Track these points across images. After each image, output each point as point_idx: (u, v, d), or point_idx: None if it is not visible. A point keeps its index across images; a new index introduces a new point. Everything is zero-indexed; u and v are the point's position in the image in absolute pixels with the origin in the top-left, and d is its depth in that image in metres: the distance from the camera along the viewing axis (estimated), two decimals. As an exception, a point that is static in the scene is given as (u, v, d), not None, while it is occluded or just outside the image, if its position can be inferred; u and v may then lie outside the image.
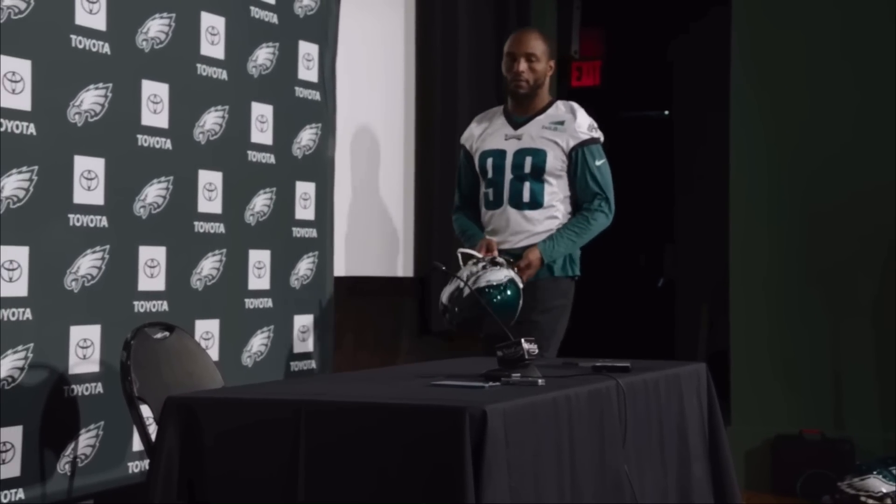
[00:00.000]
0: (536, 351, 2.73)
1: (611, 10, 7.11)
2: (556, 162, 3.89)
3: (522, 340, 2.69)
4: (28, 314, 3.07)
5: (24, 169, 3.06)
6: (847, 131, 5.23)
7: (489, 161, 3.95)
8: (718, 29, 5.88)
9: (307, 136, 4.16)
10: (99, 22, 3.28)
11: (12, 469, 3.00)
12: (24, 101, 3.05)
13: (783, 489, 5.09)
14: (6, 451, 3.01)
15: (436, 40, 5.22)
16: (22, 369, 3.06)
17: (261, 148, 3.93)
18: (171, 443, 2.36)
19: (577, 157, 3.91)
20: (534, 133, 3.92)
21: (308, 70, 4.16)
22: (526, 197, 3.88)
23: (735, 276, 5.47)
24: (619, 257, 8.40)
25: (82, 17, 3.23)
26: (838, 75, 5.25)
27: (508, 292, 3.52)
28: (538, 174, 3.88)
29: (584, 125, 3.94)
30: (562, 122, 3.92)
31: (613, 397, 2.74)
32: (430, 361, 3.61)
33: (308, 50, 4.15)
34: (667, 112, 8.24)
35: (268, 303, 3.95)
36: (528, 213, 3.87)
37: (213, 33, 3.71)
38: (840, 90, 5.24)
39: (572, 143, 3.90)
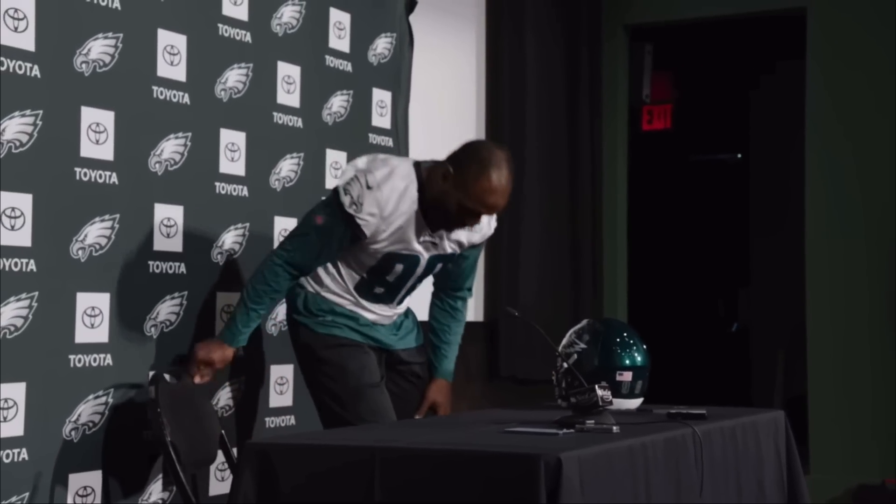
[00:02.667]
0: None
1: (681, 53, 7.10)
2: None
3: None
4: (109, 360, 3.13)
5: (107, 217, 3.14)
6: (926, 173, 5.15)
7: (398, 266, 3.18)
8: (791, 70, 5.84)
9: (380, 183, 4.20)
10: (179, 73, 3.36)
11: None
12: (107, 152, 3.14)
13: (865, 540, 4.97)
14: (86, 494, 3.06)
15: (505, 86, 5.25)
16: (102, 414, 3.11)
17: (335, 194, 3.97)
18: (248, 487, 2.38)
19: (473, 248, 3.33)
20: (447, 240, 3.22)
21: (381, 117, 4.21)
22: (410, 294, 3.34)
23: (813, 319, 5.38)
24: (693, 302, 8.32)
25: (164, 69, 3.31)
26: (916, 117, 5.18)
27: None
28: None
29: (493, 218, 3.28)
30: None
31: (689, 445, 2.70)
32: (502, 408, 3.59)
33: (381, 97, 4.21)
34: (739, 155, 8.18)
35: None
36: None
37: (289, 82, 3.78)
38: (918, 132, 5.17)
39: (477, 240, 3.29)
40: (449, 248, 3.22)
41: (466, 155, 3.06)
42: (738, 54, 7.37)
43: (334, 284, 3.21)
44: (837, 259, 5.33)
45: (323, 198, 3.91)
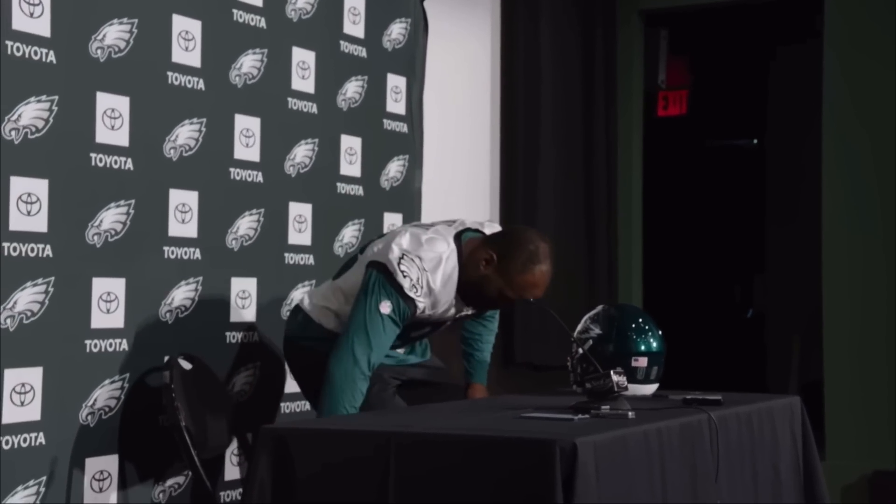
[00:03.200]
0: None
1: (697, 38, 7.06)
2: None
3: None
4: (125, 345, 3.14)
5: (122, 203, 3.14)
6: (944, 158, 5.12)
7: (426, 328, 3.19)
8: (808, 55, 5.80)
9: (395, 168, 4.20)
10: (194, 59, 3.36)
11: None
12: (122, 137, 3.14)
13: (881, 526, 4.95)
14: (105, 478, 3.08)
15: (519, 72, 5.23)
16: (118, 399, 3.13)
17: (349, 180, 3.98)
18: (264, 472, 2.39)
19: None
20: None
21: (396, 102, 4.20)
22: None
23: (828, 305, 5.36)
24: (708, 288, 8.29)
25: (178, 55, 3.31)
26: (934, 101, 5.14)
27: None
28: None
29: None
30: None
31: (705, 431, 2.70)
32: (518, 394, 3.59)
33: (396, 83, 4.20)
34: (755, 140, 8.14)
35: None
36: None
37: (303, 68, 3.77)
38: (936, 117, 5.13)
39: None
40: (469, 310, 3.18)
41: (513, 245, 3.01)
42: (754, 39, 7.32)
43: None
44: (853, 245, 5.31)
45: (337, 183, 3.92)
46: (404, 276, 2.92)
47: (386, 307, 2.91)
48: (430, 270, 2.96)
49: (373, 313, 2.91)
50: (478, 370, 3.46)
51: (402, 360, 3.27)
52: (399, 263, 2.92)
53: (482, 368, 3.46)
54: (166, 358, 3.12)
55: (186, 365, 3.15)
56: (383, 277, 2.92)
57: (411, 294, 2.93)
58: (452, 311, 3.11)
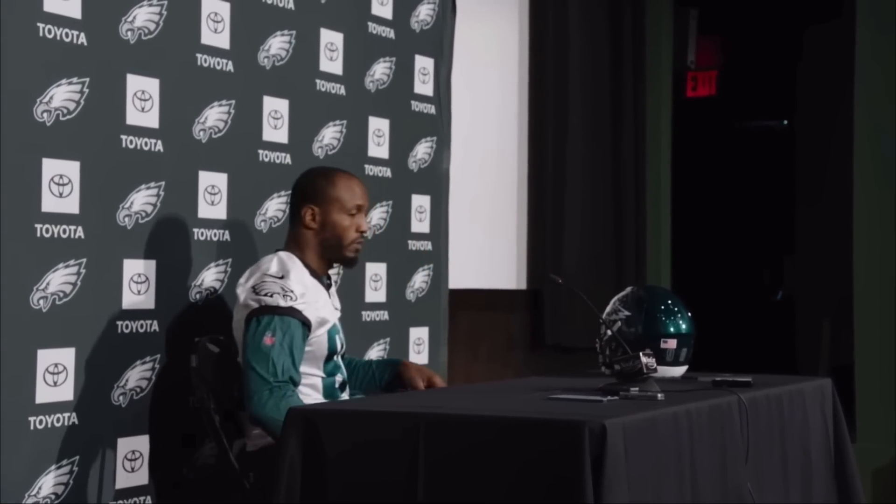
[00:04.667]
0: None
1: (728, 18, 7.00)
2: None
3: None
4: (155, 326, 3.17)
5: (152, 185, 3.16)
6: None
7: (337, 338, 3.10)
8: (839, 35, 5.74)
9: (422, 150, 4.19)
10: (223, 41, 3.37)
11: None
12: (152, 119, 3.15)
13: (912, 509, 4.92)
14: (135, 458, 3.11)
15: (548, 52, 5.21)
16: (149, 380, 3.15)
17: (377, 162, 3.98)
18: (294, 452, 2.40)
19: None
20: (336, 300, 3.21)
21: (424, 84, 4.20)
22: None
23: (860, 288, 5.31)
24: (737, 270, 8.25)
25: (208, 37, 3.32)
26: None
27: None
28: None
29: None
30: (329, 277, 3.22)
31: (735, 413, 2.69)
32: (546, 376, 3.60)
33: (424, 64, 4.19)
34: (785, 121, 8.07)
35: (384, 315, 3.99)
36: None
37: (331, 49, 3.77)
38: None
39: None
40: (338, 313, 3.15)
41: (310, 188, 3.08)
42: (784, 19, 7.25)
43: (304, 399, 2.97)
44: (885, 227, 5.25)
45: (365, 165, 3.92)
46: (270, 296, 2.91)
47: (269, 339, 2.88)
48: (285, 275, 2.95)
49: (255, 354, 2.88)
50: (384, 360, 3.42)
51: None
52: (256, 293, 2.93)
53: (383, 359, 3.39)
54: (196, 339, 3.13)
55: (214, 348, 3.16)
56: (256, 318, 2.90)
57: (289, 303, 2.91)
58: (329, 307, 3.07)
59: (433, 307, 4.23)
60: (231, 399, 3.06)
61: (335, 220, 3.06)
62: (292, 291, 2.94)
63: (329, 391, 3.08)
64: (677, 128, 6.17)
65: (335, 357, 3.10)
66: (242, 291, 3.00)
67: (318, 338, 3.02)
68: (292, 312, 2.92)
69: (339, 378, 3.12)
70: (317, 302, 3.01)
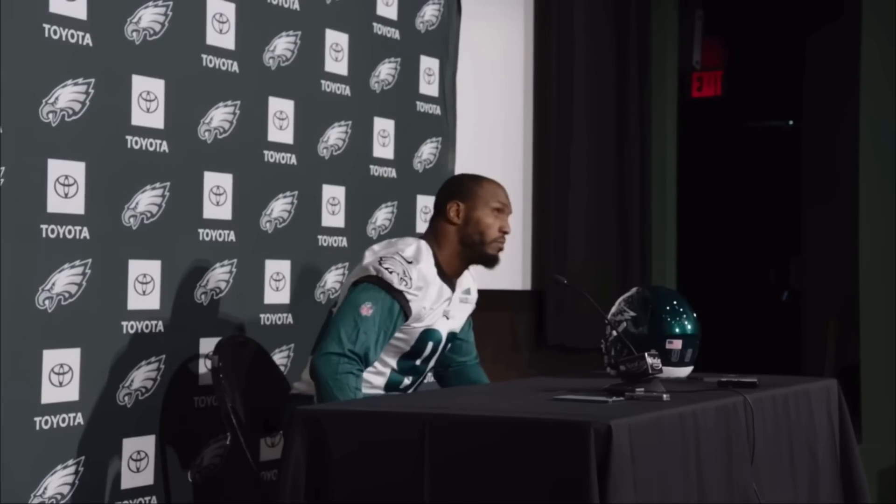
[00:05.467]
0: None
1: (733, 19, 7.00)
2: None
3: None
4: (160, 326, 3.17)
5: (158, 185, 3.16)
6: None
7: (430, 344, 3.05)
8: (845, 35, 5.73)
9: (428, 150, 4.19)
10: (228, 41, 3.37)
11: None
12: (157, 120, 3.16)
13: (917, 510, 4.91)
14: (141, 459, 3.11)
15: (552, 52, 5.21)
16: (154, 380, 3.15)
17: (382, 162, 3.98)
18: (299, 453, 2.40)
19: (469, 325, 3.26)
20: (457, 307, 3.12)
21: (429, 84, 4.20)
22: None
23: (865, 288, 5.31)
24: (743, 270, 8.24)
25: (213, 37, 3.32)
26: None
27: None
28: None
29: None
30: (469, 292, 3.17)
31: (741, 413, 2.69)
32: (551, 376, 3.59)
33: (429, 65, 4.19)
34: (791, 122, 8.07)
35: (389, 315, 3.99)
36: None
37: (336, 50, 3.77)
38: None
39: (468, 312, 3.21)
40: (457, 322, 3.12)
41: (457, 185, 3.11)
42: (789, 19, 7.25)
43: (364, 385, 2.94)
44: (890, 227, 5.25)
45: (370, 166, 3.92)
46: (390, 273, 2.90)
47: (366, 309, 2.87)
48: (415, 261, 2.94)
49: (346, 316, 2.87)
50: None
51: None
52: (380, 264, 2.91)
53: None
54: (217, 340, 3.13)
55: (236, 348, 3.16)
56: (367, 284, 2.90)
57: (401, 287, 2.90)
58: (440, 313, 3.03)
59: (438, 308, 4.22)
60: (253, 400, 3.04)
61: (479, 216, 3.04)
62: (411, 279, 2.92)
63: (391, 388, 3.04)
64: (682, 128, 6.16)
65: (418, 360, 3.04)
66: (370, 255, 2.97)
67: (410, 331, 2.98)
68: (400, 297, 2.90)
69: (408, 380, 3.06)
70: (428, 299, 2.96)
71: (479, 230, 3.03)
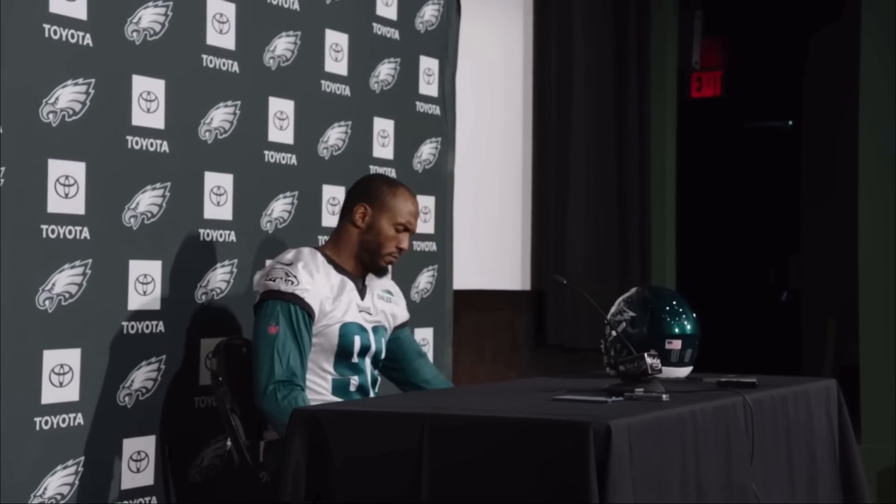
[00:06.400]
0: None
1: (733, 19, 7.00)
2: None
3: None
4: (161, 327, 3.17)
5: (158, 185, 3.16)
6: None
7: (356, 339, 3.06)
8: (844, 35, 5.73)
9: (427, 151, 4.20)
10: (229, 42, 3.37)
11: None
12: (157, 120, 3.16)
13: (917, 510, 4.92)
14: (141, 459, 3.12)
15: (552, 52, 5.22)
16: (155, 381, 3.16)
17: (383, 163, 3.98)
18: (298, 452, 2.41)
19: (402, 328, 3.27)
20: (377, 304, 3.16)
21: (428, 85, 4.20)
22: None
23: (865, 288, 5.31)
24: (742, 270, 8.25)
25: (213, 38, 3.32)
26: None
27: None
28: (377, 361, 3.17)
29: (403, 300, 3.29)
30: (390, 292, 3.22)
31: (740, 413, 2.69)
32: (551, 376, 3.59)
33: (429, 65, 4.19)
34: (790, 122, 8.07)
35: (389, 315, 3.99)
36: None
37: (336, 50, 3.78)
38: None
39: (399, 315, 3.24)
40: (383, 318, 3.15)
41: (371, 188, 3.13)
42: (789, 19, 7.25)
43: (312, 395, 2.98)
44: (890, 227, 5.25)
45: (370, 166, 3.92)
46: (274, 281, 2.95)
47: (273, 328, 2.92)
48: (294, 262, 2.99)
49: (260, 346, 2.92)
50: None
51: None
52: (265, 279, 2.98)
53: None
54: (216, 341, 3.13)
55: (234, 349, 3.16)
56: (262, 304, 2.96)
57: (289, 288, 2.94)
58: (355, 308, 3.05)
59: (438, 308, 4.22)
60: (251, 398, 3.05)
61: (383, 227, 3.07)
62: (296, 277, 2.96)
63: (342, 392, 3.05)
64: (682, 128, 6.17)
65: (353, 357, 3.06)
66: (257, 277, 3.07)
67: (327, 330, 3.01)
68: (293, 298, 2.94)
69: (355, 380, 3.07)
70: (323, 290, 3.00)
71: (378, 241, 3.08)
